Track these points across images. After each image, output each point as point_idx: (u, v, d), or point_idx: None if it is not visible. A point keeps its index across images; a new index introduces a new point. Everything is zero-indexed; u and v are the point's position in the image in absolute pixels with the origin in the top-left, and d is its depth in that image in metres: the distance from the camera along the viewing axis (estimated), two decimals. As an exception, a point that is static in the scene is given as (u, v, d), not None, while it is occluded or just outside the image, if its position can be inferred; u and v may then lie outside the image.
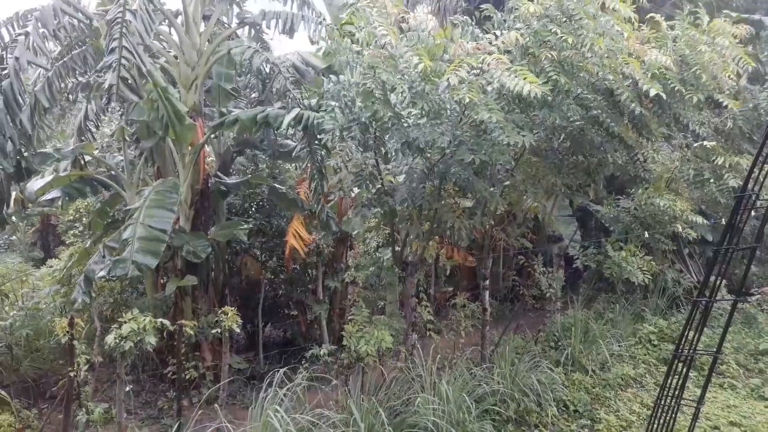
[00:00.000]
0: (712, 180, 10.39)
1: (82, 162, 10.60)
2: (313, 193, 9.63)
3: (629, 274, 10.97)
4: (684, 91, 6.67)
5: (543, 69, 6.20)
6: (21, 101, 7.69)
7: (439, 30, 6.56)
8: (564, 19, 6.32)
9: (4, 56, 8.29)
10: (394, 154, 7.43)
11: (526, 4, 6.40)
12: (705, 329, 6.18)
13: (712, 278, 5.81)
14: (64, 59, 9.38)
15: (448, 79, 5.52)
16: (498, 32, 6.25)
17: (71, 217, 12.42)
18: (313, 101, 9.87)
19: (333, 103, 6.60)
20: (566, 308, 12.02)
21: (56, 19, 8.33)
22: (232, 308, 8.14)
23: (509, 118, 6.19)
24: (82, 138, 10.68)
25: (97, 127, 11.29)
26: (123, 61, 7.21)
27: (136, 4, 7.70)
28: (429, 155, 7.23)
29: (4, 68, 7.79)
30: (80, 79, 10.29)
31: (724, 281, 7.64)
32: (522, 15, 6.45)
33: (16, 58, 7.65)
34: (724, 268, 5.83)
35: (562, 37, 5.96)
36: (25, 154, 8.38)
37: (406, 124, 6.62)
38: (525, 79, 5.55)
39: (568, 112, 6.49)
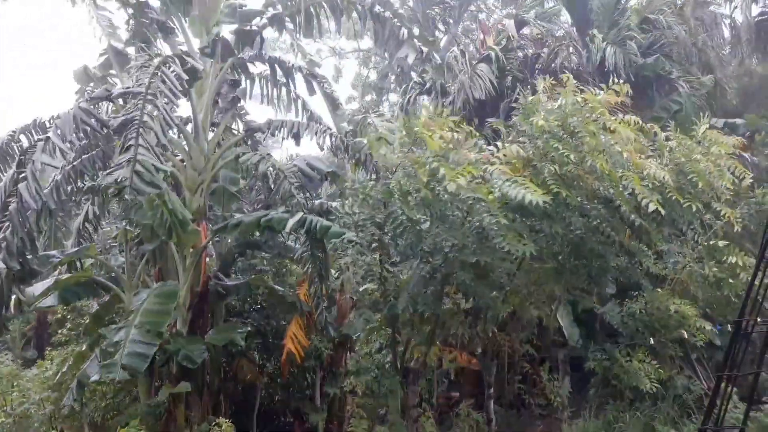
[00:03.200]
0: (730, 279, 10.23)
1: (78, 265, 10.53)
2: (313, 297, 9.55)
3: (637, 381, 10.62)
4: (681, 200, 6.79)
5: (544, 181, 6.35)
6: (33, 205, 7.80)
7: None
8: (565, 136, 6.57)
9: (24, 160, 8.53)
10: (401, 255, 7.51)
11: (534, 118, 6.65)
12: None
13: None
14: (74, 164, 9.60)
15: (446, 186, 5.69)
16: (500, 144, 6.48)
17: (59, 316, 12.16)
18: (317, 201, 10.05)
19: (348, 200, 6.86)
20: (575, 417, 11.54)
21: (74, 124, 8.63)
22: (227, 420, 7.85)
23: (510, 226, 6.27)
24: (81, 240, 10.73)
25: (96, 229, 11.34)
26: (139, 156, 7.35)
27: (156, 106, 8.00)
28: (431, 260, 7.28)
29: (23, 172, 7.99)
30: (86, 183, 10.47)
31: (734, 389, 7.41)
32: (525, 131, 6.73)
33: (33, 162, 7.86)
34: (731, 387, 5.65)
35: (563, 152, 6.17)
36: (29, 256, 8.39)
37: (418, 228, 6.77)
38: (526, 188, 5.70)
39: (568, 222, 6.59)
